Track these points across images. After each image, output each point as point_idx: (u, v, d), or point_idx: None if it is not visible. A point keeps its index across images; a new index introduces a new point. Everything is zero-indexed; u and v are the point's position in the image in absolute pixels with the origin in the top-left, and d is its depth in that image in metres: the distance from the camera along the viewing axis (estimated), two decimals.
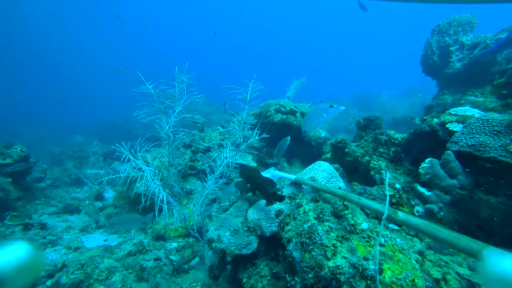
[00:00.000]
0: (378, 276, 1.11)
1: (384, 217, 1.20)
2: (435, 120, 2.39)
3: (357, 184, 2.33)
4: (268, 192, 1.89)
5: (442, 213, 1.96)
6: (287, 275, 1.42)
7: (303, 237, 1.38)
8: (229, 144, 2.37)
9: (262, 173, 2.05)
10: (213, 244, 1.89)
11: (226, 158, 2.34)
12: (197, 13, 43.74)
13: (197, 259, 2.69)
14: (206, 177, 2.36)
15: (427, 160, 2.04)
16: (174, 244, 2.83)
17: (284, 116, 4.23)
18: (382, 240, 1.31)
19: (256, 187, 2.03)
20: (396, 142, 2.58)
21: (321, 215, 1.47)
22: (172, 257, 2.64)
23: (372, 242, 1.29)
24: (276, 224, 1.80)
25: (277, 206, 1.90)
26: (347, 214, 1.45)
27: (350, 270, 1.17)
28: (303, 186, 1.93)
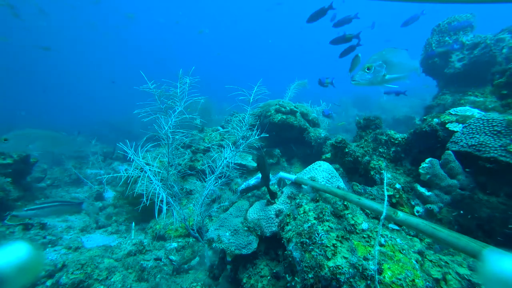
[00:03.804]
0: (377, 276, 1.11)
1: (382, 217, 1.20)
2: (435, 120, 2.39)
3: (357, 184, 2.33)
4: (266, 179, 1.90)
5: (442, 213, 1.96)
6: (287, 275, 1.42)
7: (303, 237, 1.38)
8: (230, 144, 2.37)
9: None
10: (213, 244, 1.89)
11: (225, 158, 2.34)
12: (198, 14, 43.74)
13: (197, 259, 2.69)
14: (206, 177, 2.36)
15: (427, 160, 2.04)
16: (174, 244, 2.83)
17: (284, 116, 4.23)
18: (382, 240, 1.31)
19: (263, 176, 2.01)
20: (396, 142, 2.58)
21: (321, 215, 1.47)
22: (172, 257, 2.64)
23: (372, 242, 1.29)
24: (276, 224, 1.80)
25: (277, 206, 1.90)
26: (347, 214, 1.45)
27: (350, 270, 1.17)
28: (303, 186, 1.93)
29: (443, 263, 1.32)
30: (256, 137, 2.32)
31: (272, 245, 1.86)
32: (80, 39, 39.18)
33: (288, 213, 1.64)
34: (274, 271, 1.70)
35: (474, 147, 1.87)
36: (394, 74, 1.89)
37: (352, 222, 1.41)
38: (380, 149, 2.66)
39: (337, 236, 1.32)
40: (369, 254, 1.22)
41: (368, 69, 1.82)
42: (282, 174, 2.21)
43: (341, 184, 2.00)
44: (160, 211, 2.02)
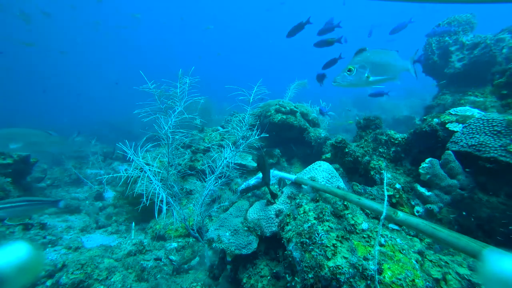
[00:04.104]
0: (377, 276, 1.11)
1: (382, 217, 1.20)
2: (435, 120, 2.39)
3: (357, 184, 2.33)
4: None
5: (442, 213, 1.96)
6: (287, 275, 1.42)
7: (303, 237, 1.38)
8: (230, 144, 2.37)
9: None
10: (213, 244, 1.89)
11: (225, 158, 2.34)
12: (198, 14, 43.74)
13: (197, 259, 2.69)
14: (206, 177, 2.36)
15: (427, 160, 2.04)
16: (174, 244, 2.83)
17: (284, 116, 4.24)
18: (382, 240, 1.31)
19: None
20: (396, 142, 2.58)
21: (321, 215, 1.47)
22: (172, 257, 2.64)
23: (372, 242, 1.29)
24: (276, 224, 1.80)
25: (277, 206, 1.90)
26: (347, 214, 1.45)
27: (350, 270, 1.17)
28: (303, 186, 1.93)
29: (443, 263, 1.32)
30: (256, 137, 2.32)
31: (272, 245, 1.86)
32: (80, 39, 39.19)
33: (288, 213, 1.64)
34: (274, 271, 1.70)
35: (474, 147, 1.87)
36: (379, 76, 1.86)
37: (352, 222, 1.41)
38: (380, 149, 2.66)
39: (337, 236, 1.32)
40: (369, 254, 1.22)
41: (349, 71, 1.80)
42: (276, 172, 2.21)
43: (341, 184, 2.00)
44: (160, 211, 2.02)
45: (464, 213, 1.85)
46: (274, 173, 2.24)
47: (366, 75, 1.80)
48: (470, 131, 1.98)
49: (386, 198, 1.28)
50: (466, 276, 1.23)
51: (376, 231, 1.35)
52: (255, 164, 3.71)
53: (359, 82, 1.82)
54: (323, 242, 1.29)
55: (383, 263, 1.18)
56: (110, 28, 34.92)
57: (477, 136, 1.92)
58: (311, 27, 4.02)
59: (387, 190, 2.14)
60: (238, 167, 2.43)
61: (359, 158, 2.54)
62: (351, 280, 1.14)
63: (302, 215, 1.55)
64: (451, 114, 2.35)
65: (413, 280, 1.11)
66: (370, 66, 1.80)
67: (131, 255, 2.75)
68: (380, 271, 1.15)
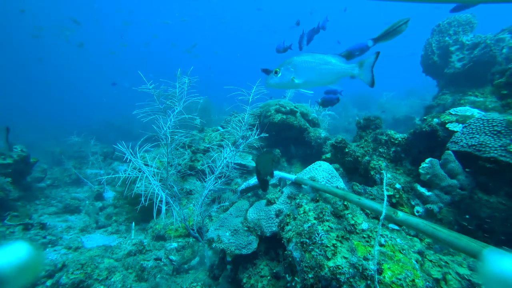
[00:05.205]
0: (377, 276, 1.11)
1: (382, 217, 1.20)
2: (435, 120, 2.39)
3: (357, 184, 2.33)
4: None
5: (442, 213, 1.96)
6: (287, 275, 1.42)
7: (303, 237, 1.38)
8: (229, 145, 2.37)
9: None
10: (213, 244, 1.89)
11: (225, 158, 2.34)
12: (198, 14, 43.76)
13: (197, 259, 2.69)
14: (206, 177, 2.36)
15: (427, 160, 2.04)
16: (174, 244, 2.83)
17: (284, 116, 4.24)
18: (382, 240, 1.31)
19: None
20: (396, 142, 2.58)
21: (321, 215, 1.47)
22: (172, 257, 2.64)
23: (372, 242, 1.29)
24: (276, 224, 1.80)
25: (277, 206, 1.90)
26: (347, 214, 1.45)
27: (350, 270, 1.17)
28: (303, 186, 1.93)
29: (443, 263, 1.32)
30: (256, 137, 2.32)
31: (272, 245, 1.86)
32: (81, 38, 39.15)
33: (288, 213, 1.64)
34: (274, 271, 1.70)
35: (474, 147, 1.87)
36: (307, 79, 1.86)
37: (352, 222, 1.40)
38: (380, 149, 2.66)
39: (337, 236, 1.32)
40: (369, 254, 1.22)
41: (275, 72, 1.83)
42: (277, 172, 2.21)
43: (341, 184, 2.00)
44: (159, 211, 2.02)
45: (467, 216, 1.84)
46: (274, 173, 2.24)
47: (291, 77, 1.82)
48: (470, 131, 1.98)
49: (385, 198, 1.28)
50: (466, 276, 1.23)
51: (376, 231, 1.35)
52: (255, 164, 3.71)
53: (285, 83, 1.85)
54: (323, 242, 1.29)
55: (383, 263, 1.18)
56: (111, 28, 34.93)
57: (477, 136, 1.92)
58: (309, 27, 4.15)
59: (387, 190, 2.14)
60: (238, 167, 2.43)
61: (359, 158, 2.54)
62: (351, 280, 1.14)
63: (302, 215, 1.55)
64: (451, 114, 2.35)
65: (413, 280, 1.11)
66: (295, 69, 1.82)
67: (131, 255, 2.75)
68: (380, 271, 1.15)
